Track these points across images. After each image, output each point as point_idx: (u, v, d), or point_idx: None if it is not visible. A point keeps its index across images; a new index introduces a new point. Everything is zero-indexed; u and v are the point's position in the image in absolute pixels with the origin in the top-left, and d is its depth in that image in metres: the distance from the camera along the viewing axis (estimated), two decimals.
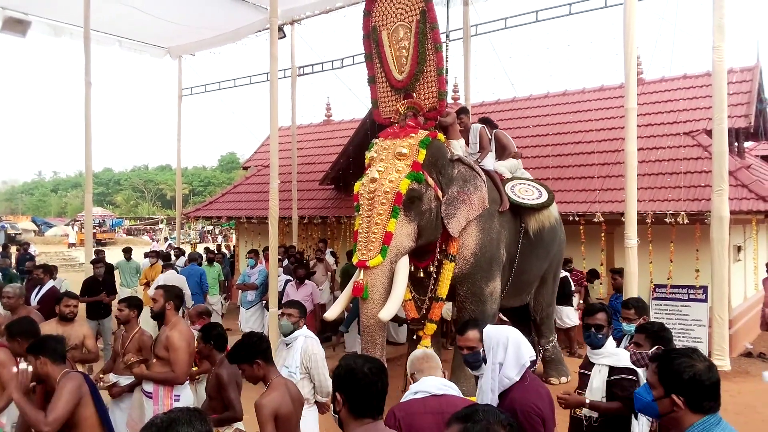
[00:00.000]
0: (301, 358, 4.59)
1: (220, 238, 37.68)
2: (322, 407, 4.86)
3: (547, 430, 3.15)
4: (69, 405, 3.56)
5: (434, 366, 3.34)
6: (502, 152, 7.81)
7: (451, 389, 3.21)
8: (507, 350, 3.27)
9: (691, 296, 9.55)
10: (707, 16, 7.12)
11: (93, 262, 10.26)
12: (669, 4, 17.53)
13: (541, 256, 7.55)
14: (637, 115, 7.20)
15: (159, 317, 5.03)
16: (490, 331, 3.45)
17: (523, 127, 12.87)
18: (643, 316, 4.88)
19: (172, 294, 5.05)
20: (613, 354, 4.05)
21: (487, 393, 3.31)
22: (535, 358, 3.47)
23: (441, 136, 6.64)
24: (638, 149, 7.27)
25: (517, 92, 15.02)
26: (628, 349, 4.09)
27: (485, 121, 8.05)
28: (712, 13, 7.03)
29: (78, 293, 7.65)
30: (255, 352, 3.66)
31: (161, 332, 4.95)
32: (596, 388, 4.01)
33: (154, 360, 4.93)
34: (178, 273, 10.46)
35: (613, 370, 3.97)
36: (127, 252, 12.27)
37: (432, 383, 3.18)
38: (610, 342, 4.14)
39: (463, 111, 7.73)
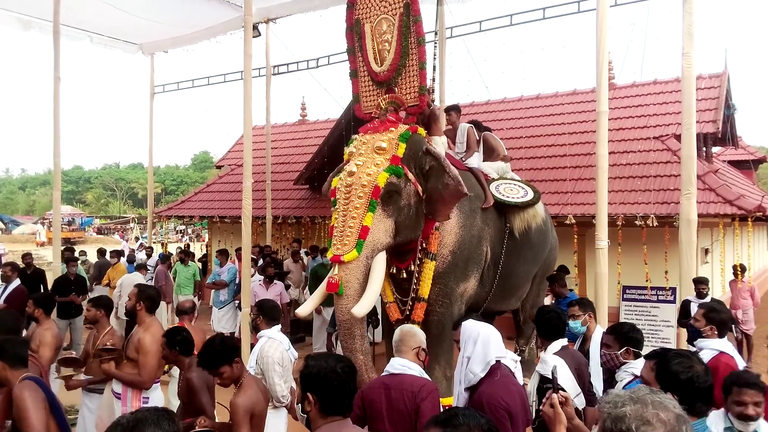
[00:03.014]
0: (257, 358, 4.56)
1: (186, 238, 36.76)
2: (292, 411, 4.81)
3: (514, 425, 3.18)
4: (42, 418, 3.43)
5: (404, 349, 3.54)
6: (490, 154, 7.70)
7: (410, 370, 3.44)
8: (476, 345, 3.41)
9: (660, 297, 9.74)
10: (677, 23, 7.27)
11: (66, 261, 10.07)
12: (640, 11, 17.81)
13: (529, 258, 7.37)
14: (609, 119, 7.29)
15: (131, 317, 4.94)
16: (467, 324, 3.59)
17: (497, 130, 12.94)
18: (588, 312, 4.95)
19: (145, 295, 4.90)
20: (543, 361, 4.08)
21: (457, 385, 3.48)
22: (502, 357, 3.49)
23: (422, 130, 6.49)
24: (609, 153, 7.34)
25: (492, 95, 15.16)
26: (604, 353, 4.12)
27: (474, 123, 8.01)
28: (681, 21, 7.17)
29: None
30: (231, 352, 3.59)
31: (134, 333, 4.85)
32: (529, 393, 4.06)
33: (125, 360, 4.83)
34: (148, 272, 10.32)
35: (542, 378, 4.01)
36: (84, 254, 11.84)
37: (394, 363, 3.50)
38: (551, 348, 4.15)
39: (453, 108, 7.64)
